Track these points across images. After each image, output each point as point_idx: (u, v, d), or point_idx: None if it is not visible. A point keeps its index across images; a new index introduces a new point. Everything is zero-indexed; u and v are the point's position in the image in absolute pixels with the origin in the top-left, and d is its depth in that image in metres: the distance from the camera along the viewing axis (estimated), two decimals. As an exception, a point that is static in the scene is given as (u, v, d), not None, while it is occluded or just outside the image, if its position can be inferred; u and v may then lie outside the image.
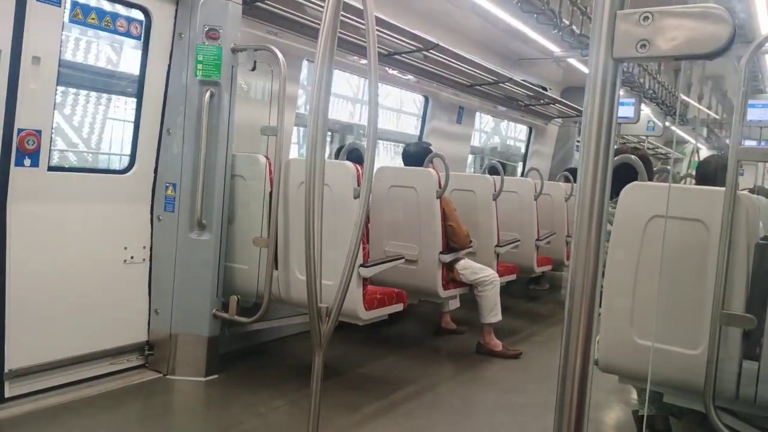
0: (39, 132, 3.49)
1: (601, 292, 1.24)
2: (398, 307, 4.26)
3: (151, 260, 4.20)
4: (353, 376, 4.53)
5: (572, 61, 8.65)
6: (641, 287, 2.84)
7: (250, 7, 4.33)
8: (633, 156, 3.28)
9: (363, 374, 4.60)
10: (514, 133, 11.05)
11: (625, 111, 8.63)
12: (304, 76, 5.43)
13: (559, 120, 10.21)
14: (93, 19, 3.73)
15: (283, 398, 3.91)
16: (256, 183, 4.23)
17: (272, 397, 3.92)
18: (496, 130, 10.73)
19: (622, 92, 9.42)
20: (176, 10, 4.08)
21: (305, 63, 5.26)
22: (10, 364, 3.45)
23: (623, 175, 2.94)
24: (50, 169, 3.63)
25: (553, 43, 7.80)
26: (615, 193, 2.92)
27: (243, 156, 4.31)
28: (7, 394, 3.45)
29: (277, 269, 4.13)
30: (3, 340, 3.42)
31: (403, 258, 4.46)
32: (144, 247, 4.17)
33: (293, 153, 5.83)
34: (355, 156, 4.65)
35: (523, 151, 10.76)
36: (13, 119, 3.37)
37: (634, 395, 4.05)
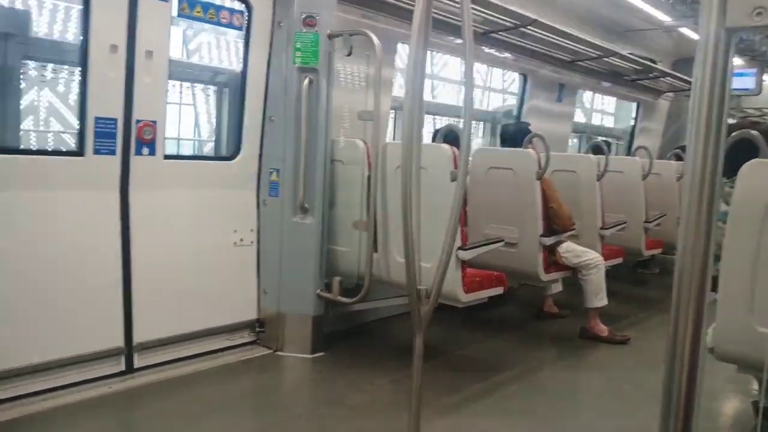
0: (154, 122, 3.74)
1: (716, 277, 1.17)
2: (498, 290, 4.22)
3: (258, 243, 4.41)
4: (454, 357, 4.55)
5: (685, 30, 8.09)
6: (763, 272, 2.64)
7: (345, -8, 4.39)
8: (753, 131, 3.04)
9: (463, 356, 4.61)
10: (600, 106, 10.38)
11: (744, 82, 7.98)
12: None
13: (670, 94, 9.60)
14: (198, 12, 3.92)
15: (385, 377, 3.99)
16: (354, 167, 4.31)
17: (375, 375, 4.02)
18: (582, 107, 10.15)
19: (741, 62, 8.73)
20: (274, 0, 4.20)
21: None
22: (137, 338, 3.76)
23: (743, 152, 2.73)
24: (166, 157, 3.89)
25: (663, 11, 7.33)
26: (734, 171, 2.73)
27: (342, 141, 4.41)
28: (135, 365, 3.77)
29: (377, 252, 4.21)
30: (131, 315, 3.73)
31: (503, 241, 4.40)
32: (252, 230, 4.38)
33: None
34: (452, 138, 4.62)
35: (608, 126, 10.19)
36: (131, 111, 3.63)
37: (755, 385, 3.80)
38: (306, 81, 4.12)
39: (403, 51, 5.35)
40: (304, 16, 4.10)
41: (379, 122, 4.12)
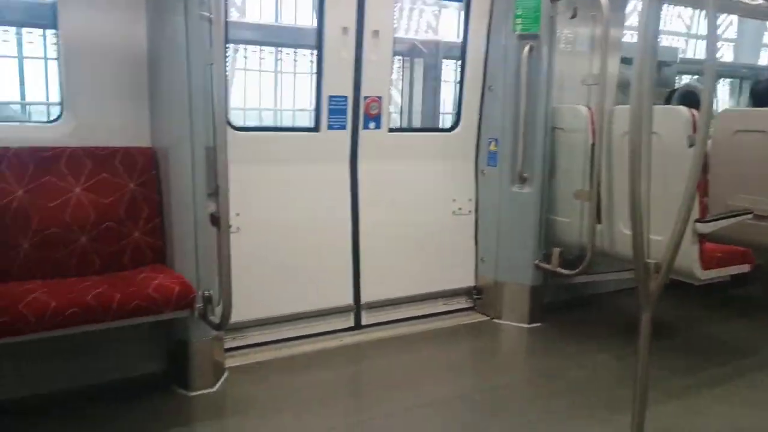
0: (380, 98, 3.97)
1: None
2: (743, 268, 3.77)
3: (476, 212, 4.48)
4: (687, 337, 4.20)
5: None
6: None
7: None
8: None
9: (699, 337, 4.23)
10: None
11: None
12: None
13: None
14: (419, -11, 4.05)
15: (607, 353, 3.83)
16: (577, 135, 4.12)
17: (596, 350, 3.88)
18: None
19: None
20: None
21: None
22: (365, 298, 4.09)
23: None
24: (390, 130, 4.11)
25: None
26: None
27: (563, 108, 4.24)
28: (363, 322, 4.11)
29: (600, 223, 4.01)
30: (359, 277, 4.06)
31: (752, 213, 3.89)
32: (470, 200, 4.46)
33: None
34: (691, 100, 4.18)
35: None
36: (360, 88, 3.89)
37: None
38: (526, 48, 4.03)
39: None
40: (526, -19, 4.00)
41: (605, 87, 3.88)
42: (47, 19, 3.17)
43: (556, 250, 4.18)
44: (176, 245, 3.16)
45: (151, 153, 3.21)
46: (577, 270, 4.10)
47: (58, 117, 3.16)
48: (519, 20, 4.04)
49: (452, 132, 4.42)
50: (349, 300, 4.05)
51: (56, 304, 2.54)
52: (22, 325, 2.47)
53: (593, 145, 3.99)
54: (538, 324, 4.30)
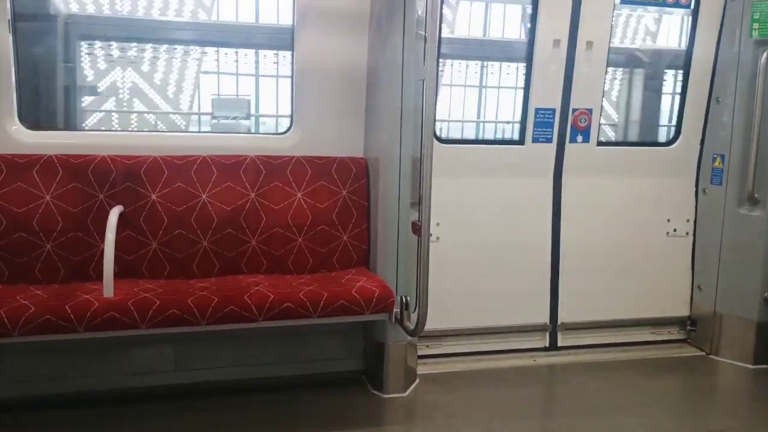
0: (590, 111, 3.83)
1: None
2: None
3: (694, 234, 4.10)
4: None
5: None
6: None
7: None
8: None
9: None
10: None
11: None
12: None
13: None
14: (643, -5, 3.84)
15: None
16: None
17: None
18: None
19: None
20: None
21: None
22: (562, 318, 3.95)
23: None
24: (599, 144, 3.94)
25: None
26: None
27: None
28: (559, 344, 3.97)
29: None
30: (557, 296, 3.94)
31: None
32: (687, 221, 4.09)
33: None
34: None
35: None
36: (569, 100, 3.78)
37: None
38: (765, 55, 3.61)
39: None
40: (767, -19, 3.58)
41: None
42: (283, 42, 3.59)
43: (791, 284, 3.67)
44: (379, 250, 3.35)
45: (364, 162, 3.45)
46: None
47: (288, 129, 3.54)
48: (756, 25, 3.63)
49: (670, 146, 4.09)
50: (545, 319, 3.95)
51: (274, 297, 2.84)
52: (247, 314, 2.80)
53: None
54: (765, 366, 3.79)
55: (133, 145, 3.28)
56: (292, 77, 3.49)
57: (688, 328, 4.14)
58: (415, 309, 3.08)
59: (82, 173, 3.10)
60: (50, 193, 3.06)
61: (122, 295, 2.73)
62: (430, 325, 3.04)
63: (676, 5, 3.89)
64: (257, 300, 2.82)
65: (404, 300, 3.13)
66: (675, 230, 4.08)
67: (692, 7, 3.88)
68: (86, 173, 3.10)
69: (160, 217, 3.16)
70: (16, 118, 3.18)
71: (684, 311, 4.15)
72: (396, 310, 3.08)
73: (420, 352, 3.62)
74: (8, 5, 3.09)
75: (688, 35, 3.94)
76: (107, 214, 2.92)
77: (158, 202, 3.16)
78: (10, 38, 3.12)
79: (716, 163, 3.95)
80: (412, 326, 3.07)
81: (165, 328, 2.74)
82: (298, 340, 3.40)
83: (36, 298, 2.73)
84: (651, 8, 4.04)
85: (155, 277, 3.15)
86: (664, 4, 3.89)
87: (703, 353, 4.00)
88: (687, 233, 4.10)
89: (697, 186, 4.09)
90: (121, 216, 3.01)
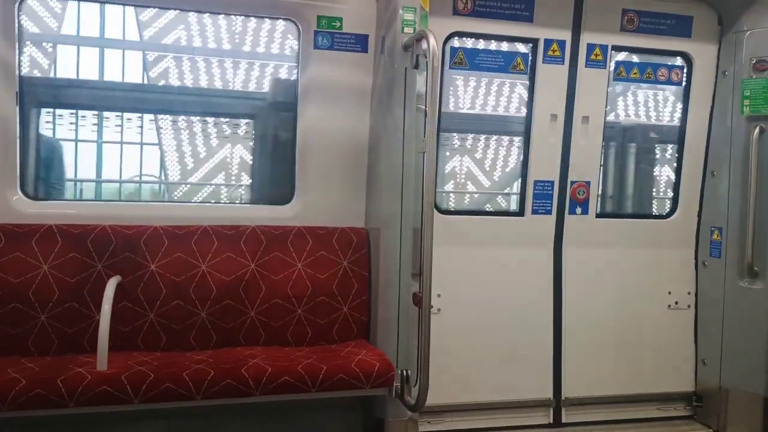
0: (588, 183, 3.88)
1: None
2: None
3: (696, 307, 4.07)
4: None
5: None
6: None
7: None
8: None
9: None
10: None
11: None
12: None
13: None
14: (635, 73, 3.97)
15: None
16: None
17: None
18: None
19: None
20: (718, 49, 3.94)
21: None
22: (566, 393, 3.86)
23: None
24: (597, 215, 3.96)
25: None
26: None
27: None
28: (563, 420, 3.86)
29: None
30: (560, 370, 3.86)
31: None
32: (689, 293, 4.07)
33: None
34: None
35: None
36: (567, 173, 3.84)
37: None
38: (756, 131, 3.70)
39: None
40: (754, 61, 3.74)
41: None
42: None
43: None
44: (380, 322, 3.30)
45: (365, 233, 3.45)
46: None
47: (289, 200, 3.55)
48: (747, 101, 3.74)
49: (668, 219, 4.12)
50: (548, 394, 3.85)
51: (272, 371, 2.77)
52: (244, 388, 2.72)
53: None
54: (775, 443, 3.69)
55: (135, 216, 3.28)
56: (295, 149, 3.54)
57: (694, 403, 4.05)
58: (416, 383, 3.01)
59: (82, 243, 3.09)
60: (48, 263, 3.03)
61: (116, 368, 2.67)
62: (431, 399, 2.97)
63: (668, 83, 4.02)
64: (255, 373, 2.75)
65: (405, 374, 3.06)
66: (676, 303, 4.05)
67: (684, 83, 4.01)
68: (85, 243, 3.09)
69: (159, 287, 3.12)
70: (18, 189, 3.20)
71: (689, 386, 4.06)
72: (396, 384, 3.01)
73: (421, 428, 3.51)
74: (16, 78, 3.16)
75: (681, 110, 4.05)
76: (104, 284, 2.88)
77: (157, 273, 3.13)
78: (17, 110, 3.18)
79: (714, 236, 3.97)
80: (413, 401, 2.98)
81: (159, 403, 2.66)
82: (295, 416, 3.29)
83: (27, 371, 2.65)
84: (644, 85, 4.16)
85: (151, 349, 3.08)
86: (656, 82, 4.02)
87: (711, 430, 3.89)
88: (688, 306, 4.07)
89: (696, 258, 4.09)
90: (119, 286, 2.97)
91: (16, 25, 3.17)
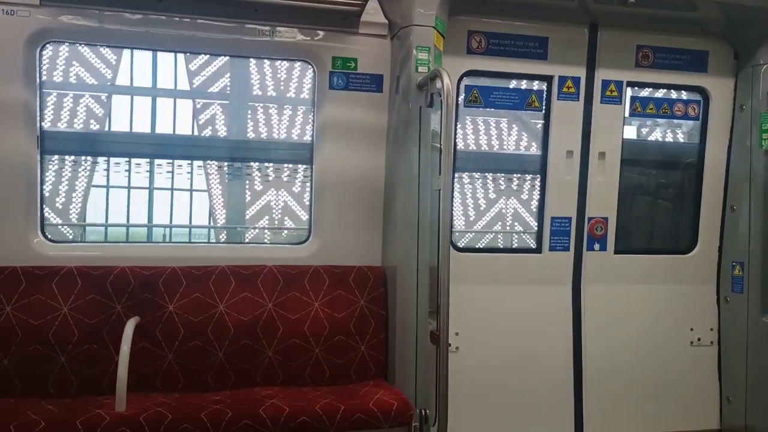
0: (606, 219, 3.85)
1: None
2: None
3: (719, 343, 3.99)
4: None
5: None
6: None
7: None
8: None
9: None
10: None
11: None
12: None
13: None
14: (651, 109, 3.96)
15: None
16: None
17: None
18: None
19: None
20: (735, 83, 3.93)
21: None
22: (587, 433, 3.77)
23: None
24: (616, 252, 3.93)
25: None
26: None
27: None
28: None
29: None
30: (581, 411, 3.79)
31: None
32: (711, 330, 4.00)
33: None
34: None
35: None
36: (584, 209, 3.82)
37: None
38: (777, 164, 3.67)
39: None
40: (772, 95, 3.73)
41: None
42: (303, 158, 3.77)
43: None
44: (398, 361, 3.27)
45: (381, 271, 3.45)
46: None
47: (306, 239, 3.58)
48: (766, 135, 3.72)
49: (688, 254, 4.07)
50: (570, 433, 3.78)
51: (290, 411, 2.76)
52: (262, 428, 2.70)
53: None
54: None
55: (153, 257, 3.31)
56: (311, 189, 3.57)
57: (722, 443, 3.95)
58: (434, 422, 2.97)
59: (101, 284, 3.12)
60: (68, 305, 3.06)
61: (134, 410, 2.67)
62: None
63: (684, 117, 4.01)
64: (272, 413, 2.74)
65: (423, 413, 3.02)
66: (699, 339, 3.98)
67: (701, 118, 4.00)
68: (105, 284, 3.12)
69: (177, 328, 3.14)
70: (39, 231, 3.25)
71: (714, 424, 3.96)
72: (415, 423, 2.97)
73: (439, 470, 3.46)
74: (37, 122, 3.24)
75: (699, 144, 4.03)
76: (124, 325, 2.90)
77: (175, 313, 3.15)
78: (38, 155, 3.26)
79: (736, 271, 3.91)
80: (431, 442, 2.95)
81: (177, 445, 2.65)
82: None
83: (47, 413, 2.66)
84: (660, 120, 4.16)
85: (169, 390, 3.08)
86: (673, 117, 4.02)
87: (739, 471, 3.79)
88: (711, 342, 3.99)
89: (718, 294, 4.03)
90: (138, 327, 2.99)
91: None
